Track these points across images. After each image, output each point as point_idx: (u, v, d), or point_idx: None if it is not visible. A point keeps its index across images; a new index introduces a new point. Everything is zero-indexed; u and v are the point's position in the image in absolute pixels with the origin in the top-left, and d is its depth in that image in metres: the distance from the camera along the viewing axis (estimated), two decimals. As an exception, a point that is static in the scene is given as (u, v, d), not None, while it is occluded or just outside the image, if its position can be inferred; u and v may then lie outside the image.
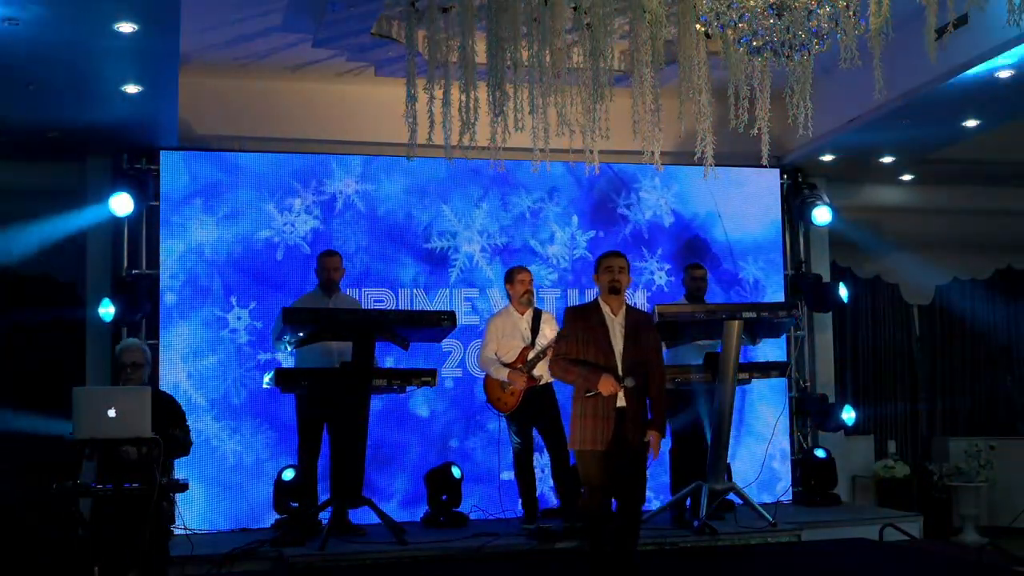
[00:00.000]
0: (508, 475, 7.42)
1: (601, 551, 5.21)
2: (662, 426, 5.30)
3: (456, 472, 7.42)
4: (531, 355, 6.76)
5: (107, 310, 7.14)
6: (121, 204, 7.20)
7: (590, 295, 8.07)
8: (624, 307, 5.33)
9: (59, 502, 5.18)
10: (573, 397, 5.29)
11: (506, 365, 6.79)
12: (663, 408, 5.34)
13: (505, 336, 6.88)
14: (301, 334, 6.52)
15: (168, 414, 5.65)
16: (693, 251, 8.40)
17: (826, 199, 8.64)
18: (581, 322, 5.29)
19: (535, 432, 6.92)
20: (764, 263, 8.61)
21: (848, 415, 8.44)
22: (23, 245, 7.71)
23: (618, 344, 5.21)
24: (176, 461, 6.26)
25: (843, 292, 8.70)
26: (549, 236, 8.20)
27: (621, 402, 5.15)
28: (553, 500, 7.37)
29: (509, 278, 7.02)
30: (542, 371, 6.77)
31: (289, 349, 6.82)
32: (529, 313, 6.94)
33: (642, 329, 5.32)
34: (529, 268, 7.18)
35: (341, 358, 6.61)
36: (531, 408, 6.82)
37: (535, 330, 6.88)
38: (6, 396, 7.49)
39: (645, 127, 5.22)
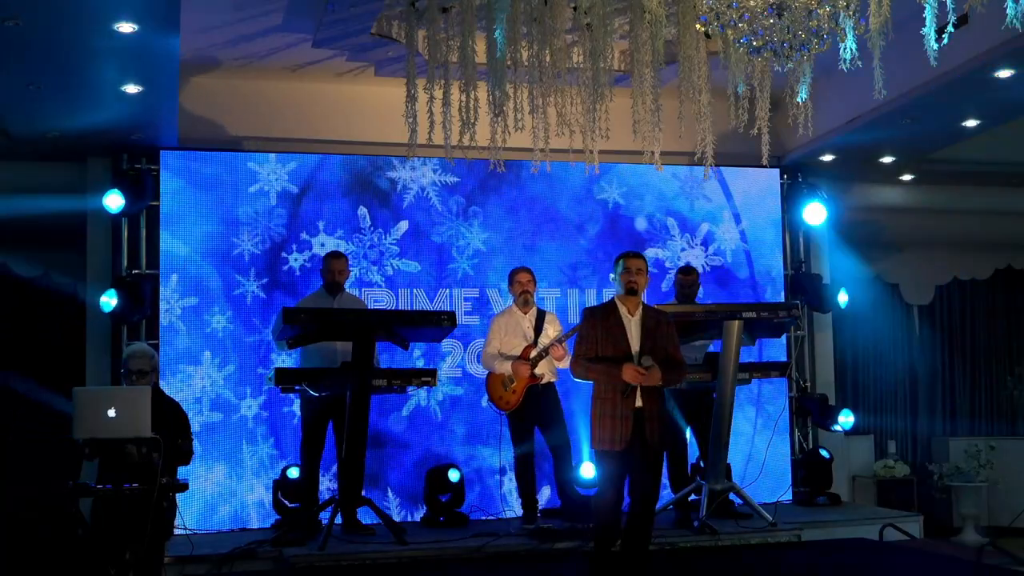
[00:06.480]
0: (509, 475, 7.41)
1: (605, 552, 5.22)
2: (666, 373, 5.24)
3: (456, 472, 7.42)
4: (533, 353, 6.77)
5: (108, 300, 7.13)
6: (113, 201, 7.25)
7: (591, 295, 8.09)
8: (641, 307, 5.38)
9: (59, 502, 5.18)
10: (592, 398, 5.34)
11: (510, 359, 6.80)
12: (678, 371, 5.36)
13: (508, 334, 6.90)
14: (300, 334, 6.50)
15: (175, 423, 5.63)
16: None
17: (823, 196, 8.59)
18: (599, 321, 5.35)
19: (536, 432, 6.92)
20: (764, 263, 8.60)
21: (846, 419, 8.37)
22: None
23: (635, 343, 5.27)
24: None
25: (843, 298, 8.67)
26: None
27: (639, 402, 5.20)
28: (554, 499, 7.36)
29: (510, 278, 7.05)
30: (543, 370, 6.78)
31: (287, 349, 6.79)
32: (532, 312, 6.95)
33: (660, 327, 5.37)
34: (530, 268, 7.18)
35: (344, 359, 6.59)
36: (533, 407, 6.82)
37: (538, 329, 6.88)
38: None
39: (645, 127, 5.22)
